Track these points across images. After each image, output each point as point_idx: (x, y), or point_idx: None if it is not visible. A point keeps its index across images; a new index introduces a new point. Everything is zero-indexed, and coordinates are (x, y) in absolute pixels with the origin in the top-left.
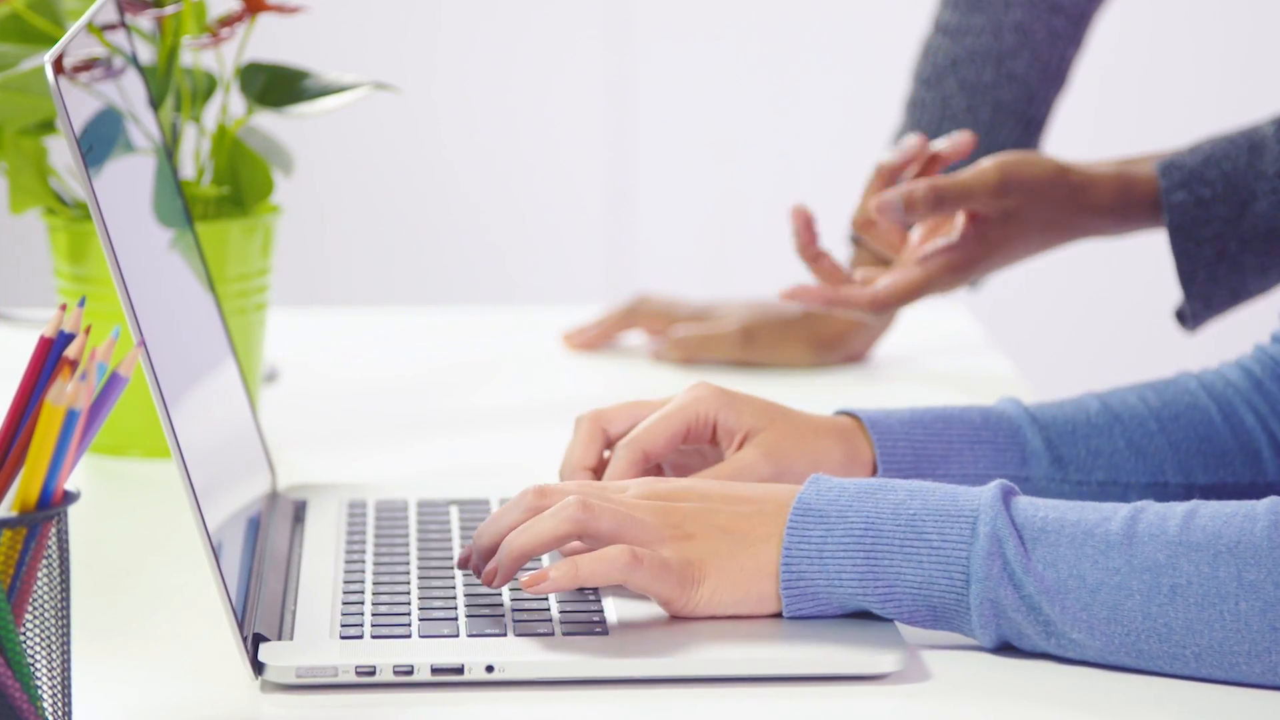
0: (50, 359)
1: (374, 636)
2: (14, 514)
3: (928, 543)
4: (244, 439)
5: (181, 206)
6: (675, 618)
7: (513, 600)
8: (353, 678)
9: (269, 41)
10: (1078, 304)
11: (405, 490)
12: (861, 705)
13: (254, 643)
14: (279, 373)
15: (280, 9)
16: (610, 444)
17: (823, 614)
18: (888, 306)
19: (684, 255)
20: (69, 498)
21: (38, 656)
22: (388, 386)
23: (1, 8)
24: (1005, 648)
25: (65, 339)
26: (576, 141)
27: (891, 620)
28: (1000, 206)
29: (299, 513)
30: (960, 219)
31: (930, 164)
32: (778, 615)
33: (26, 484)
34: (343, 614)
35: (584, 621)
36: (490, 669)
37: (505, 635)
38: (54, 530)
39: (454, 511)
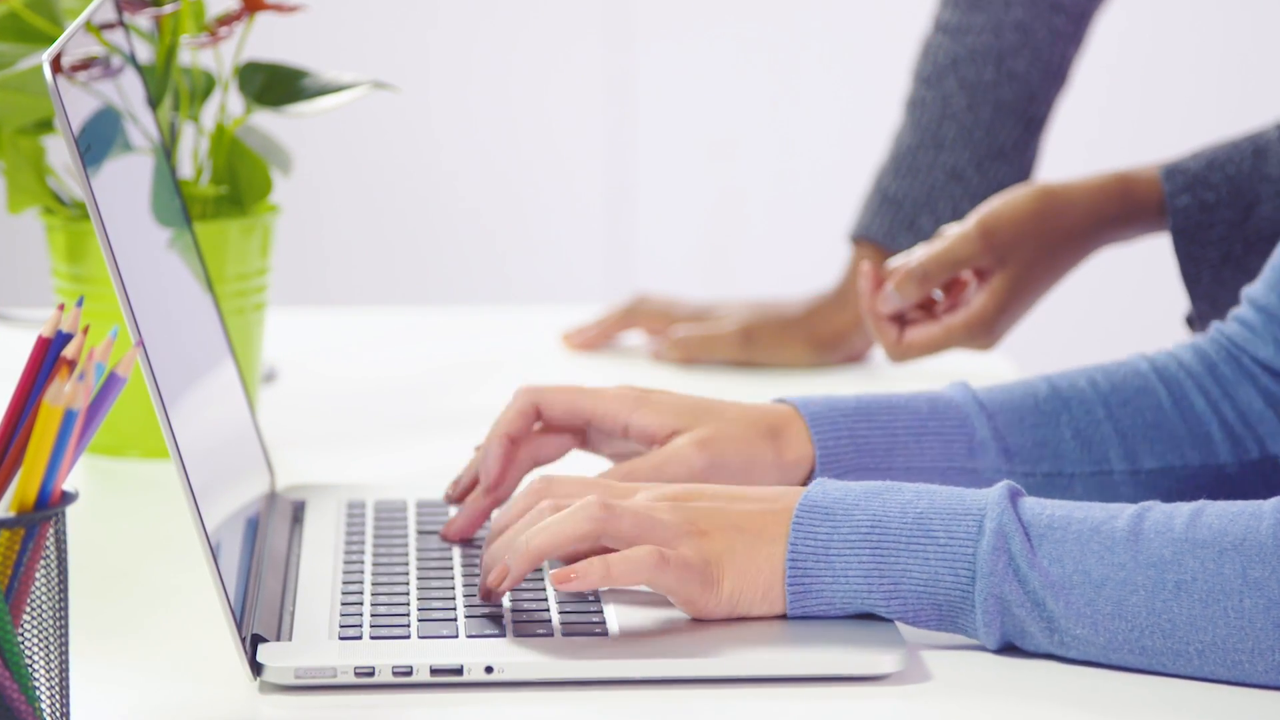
0: (48, 359)
1: (373, 637)
2: (12, 514)
3: (934, 540)
4: (242, 439)
5: (180, 206)
6: (680, 616)
7: (512, 601)
8: (351, 678)
9: (267, 41)
10: (1078, 303)
11: (404, 490)
12: (862, 706)
13: (252, 643)
14: (278, 373)
15: (279, 8)
16: (542, 421)
17: (826, 613)
18: (907, 357)
19: (684, 255)
20: (67, 498)
21: (36, 657)
22: (387, 386)
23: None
24: (1008, 648)
25: (63, 339)
26: (576, 141)
27: (892, 621)
28: (993, 258)
29: (298, 513)
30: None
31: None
32: (781, 616)
33: (24, 484)
34: (341, 615)
35: (583, 622)
36: (489, 670)
37: (504, 636)
38: (52, 531)
39: (453, 512)
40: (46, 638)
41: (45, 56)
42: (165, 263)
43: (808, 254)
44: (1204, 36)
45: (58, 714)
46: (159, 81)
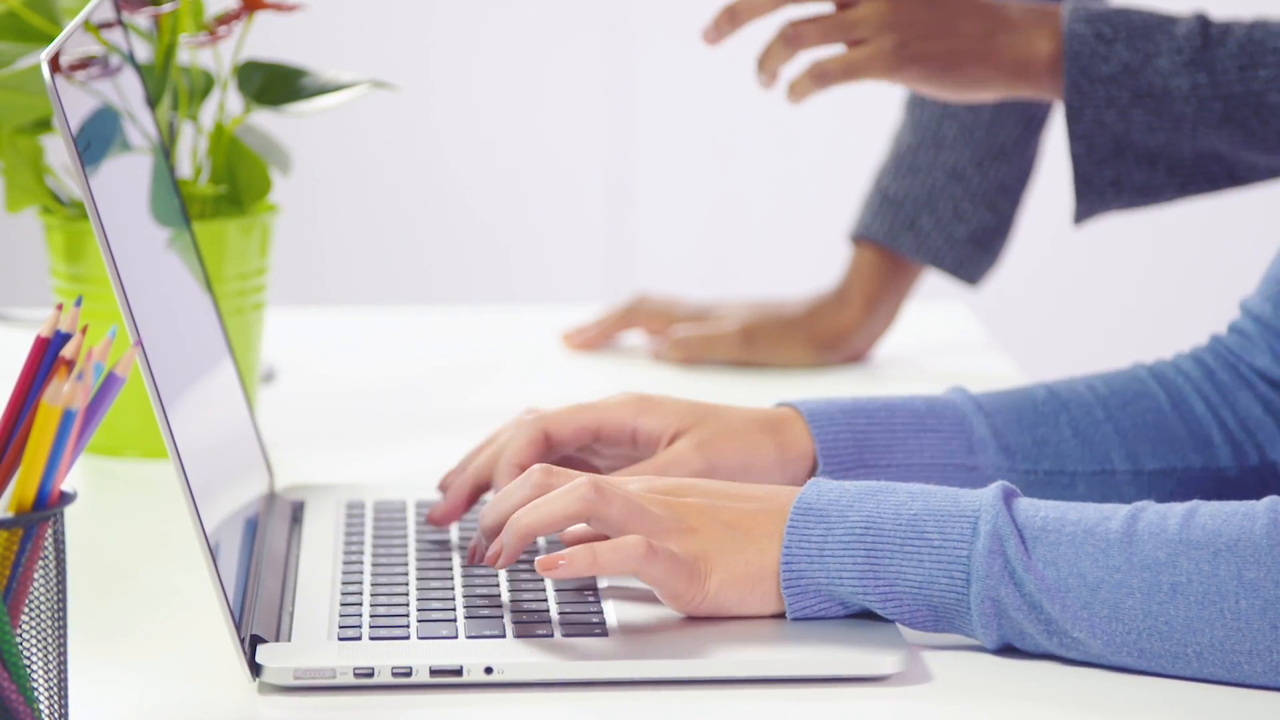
0: (47, 359)
1: (372, 638)
2: (10, 515)
3: (928, 542)
4: (241, 439)
5: (179, 205)
6: (679, 616)
7: (512, 601)
8: (351, 679)
9: (266, 40)
10: (1079, 302)
11: (404, 491)
12: (863, 707)
13: (251, 644)
14: (277, 372)
15: (278, 7)
16: (552, 446)
17: (826, 613)
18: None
19: (684, 255)
20: (65, 498)
21: (34, 658)
22: (386, 386)
23: None
24: (1008, 649)
25: (62, 339)
26: (576, 141)
27: (893, 622)
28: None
29: (297, 513)
30: None
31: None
32: (778, 616)
33: (23, 484)
34: (341, 615)
35: (583, 623)
36: (489, 670)
37: (504, 636)
38: (50, 531)
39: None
40: (45, 638)
41: (44, 55)
42: (164, 262)
43: (808, 254)
44: None
45: (56, 715)
46: (158, 81)
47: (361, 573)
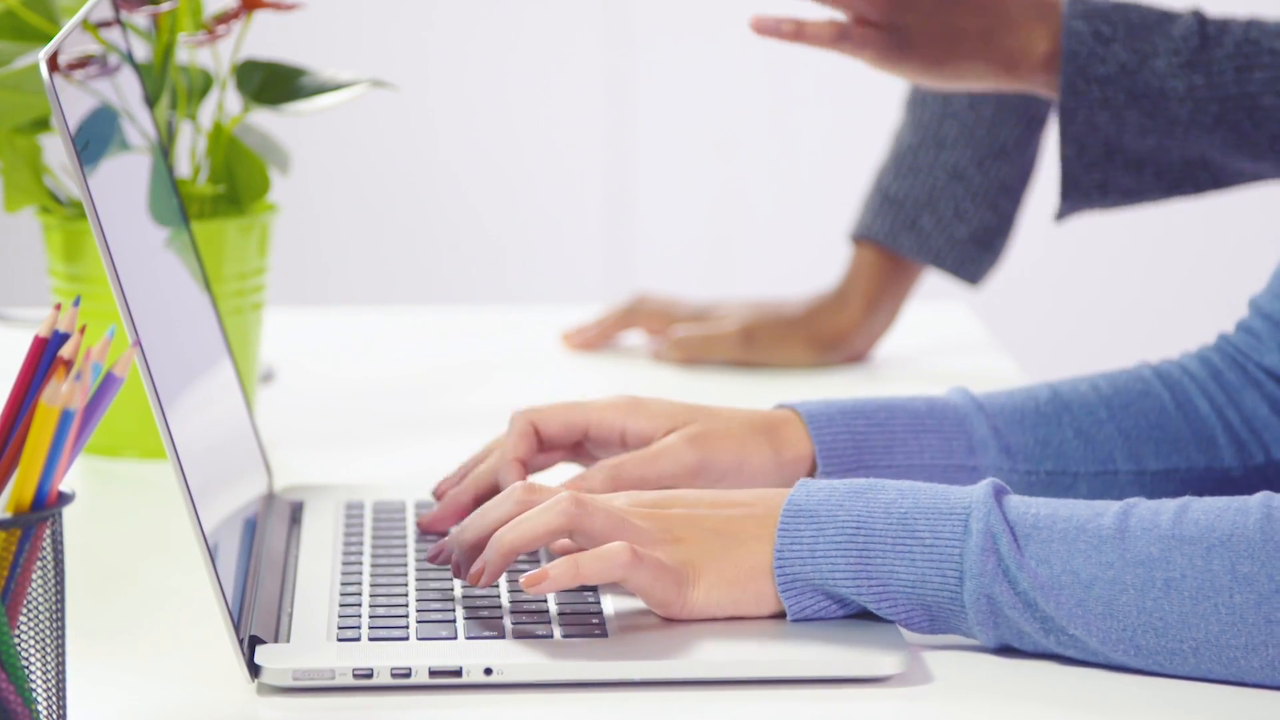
0: (45, 359)
1: (371, 639)
2: (8, 515)
3: (920, 541)
4: (240, 439)
5: (177, 205)
6: (673, 620)
7: (511, 602)
8: (350, 680)
9: (265, 39)
10: (1079, 302)
11: (403, 491)
12: (863, 708)
13: (250, 645)
14: (275, 373)
15: (277, 6)
16: (542, 442)
17: (826, 613)
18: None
19: (684, 255)
20: (64, 499)
21: (32, 659)
22: (385, 386)
23: None
24: (1008, 649)
25: (60, 339)
26: (576, 141)
27: (894, 622)
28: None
29: (296, 514)
30: None
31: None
32: (776, 616)
33: (21, 485)
34: (340, 616)
35: (583, 623)
36: (489, 671)
37: (504, 637)
38: (49, 532)
39: None
40: (43, 639)
41: (42, 55)
42: (163, 262)
43: (808, 254)
44: None
45: (54, 716)
46: (156, 80)
47: (360, 573)
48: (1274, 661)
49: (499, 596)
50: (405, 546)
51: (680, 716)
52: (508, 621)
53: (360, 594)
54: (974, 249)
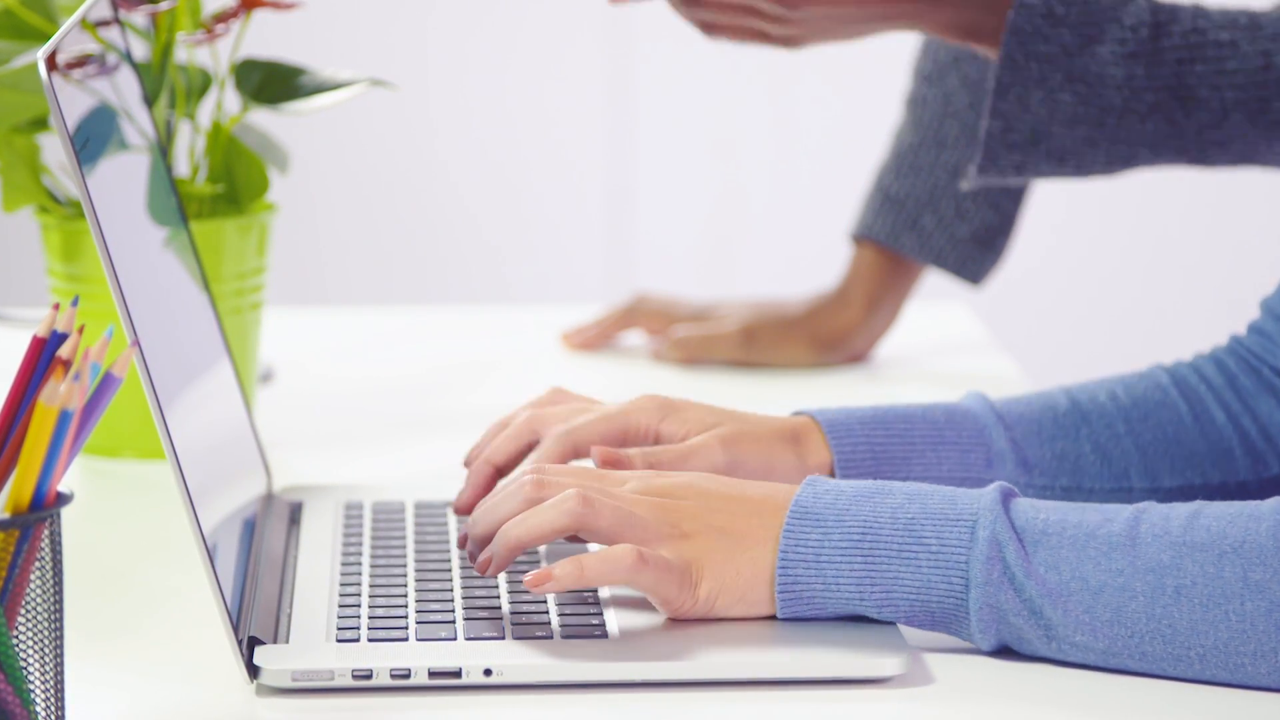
0: (43, 359)
1: (370, 640)
2: (6, 516)
3: (926, 547)
4: (239, 440)
5: (176, 205)
6: (675, 620)
7: (511, 603)
8: (349, 681)
9: (264, 38)
10: (1079, 302)
11: (402, 492)
12: (864, 709)
13: (249, 646)
14: (275, 373)
15: (276, 5)
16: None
17: (818, 617)
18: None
19: (684, 255)
20: (62, 499)
21: (30, 660)
22: (385, 387)
23: None
24: (1008, 651)
25: (58, 339)
26: (576, 141)
27: (895, 624)
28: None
29: (295, 514)
30: None
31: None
32: (766, 618)
33: (19, 485)
34: (339, 617)
35: (583, 624)
36: (488, 672)
37: (503, 638)
38: (47, 532)
39: (451, 513)
40: (41, 640)
41: (41, 54)
42: (161, 262)
43: (808, 253)
44: None
45: (53, 717)
46: (155, 79)
47: (360, 574)
48: None
49: (498, 597)
50: (405, 547)
51: (680, 717)
52: (507, 622)
53: (359, 594)
54: (975, 248)
